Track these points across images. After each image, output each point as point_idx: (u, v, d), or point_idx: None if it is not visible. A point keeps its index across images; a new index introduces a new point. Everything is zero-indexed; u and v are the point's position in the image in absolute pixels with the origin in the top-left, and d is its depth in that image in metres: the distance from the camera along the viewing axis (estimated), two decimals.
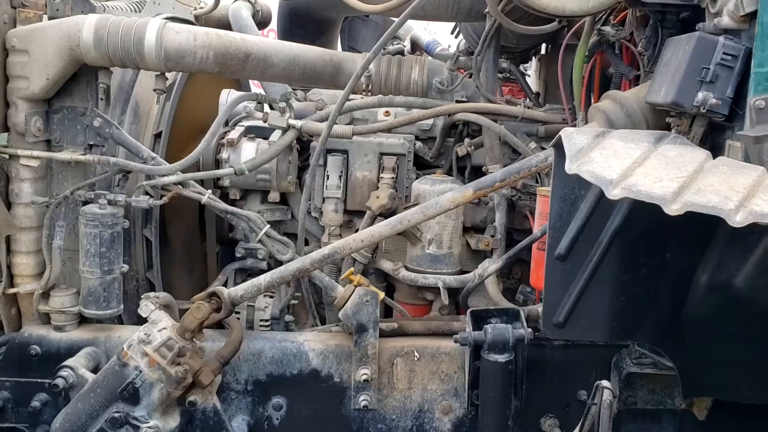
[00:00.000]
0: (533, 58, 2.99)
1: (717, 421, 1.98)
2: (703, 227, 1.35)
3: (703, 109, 1.48)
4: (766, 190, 1.16)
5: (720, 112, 1.49)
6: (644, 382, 1.97)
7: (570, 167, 1.24)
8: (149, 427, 1.76)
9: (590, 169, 1.21)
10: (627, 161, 1.24)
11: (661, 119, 1.66)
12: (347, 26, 3.49)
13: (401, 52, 3.60)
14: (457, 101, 2.26)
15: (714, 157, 1.50)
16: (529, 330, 1.87)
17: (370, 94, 2.29)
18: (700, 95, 1.48)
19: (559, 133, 1.39)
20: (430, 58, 2.34)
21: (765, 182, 1.18)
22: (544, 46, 2.85)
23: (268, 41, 2.11)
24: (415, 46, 4.26)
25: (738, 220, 1.11)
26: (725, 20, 1.51)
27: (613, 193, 1.15)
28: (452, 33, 3.12)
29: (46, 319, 2.07)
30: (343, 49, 3.52)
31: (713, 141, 1.61)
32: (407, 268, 2.22)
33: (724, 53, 1.48)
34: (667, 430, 2.00)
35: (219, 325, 1.95)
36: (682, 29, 1.75)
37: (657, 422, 1.99)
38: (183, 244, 2.49)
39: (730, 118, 1.52)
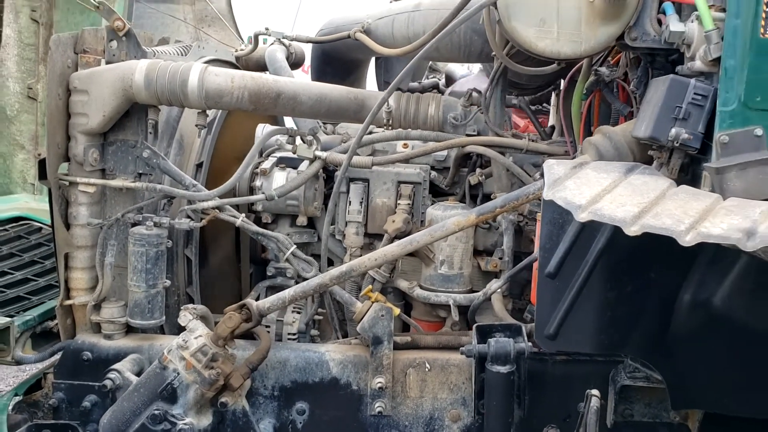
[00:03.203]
0: (553, 93, 3.15)
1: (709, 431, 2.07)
2: (685, 250, 1.43)
3: (677, 143, 1.61)
4: (716, 215, 1.31)
5: (692, 145, 1.62)
6: (640, 395, 2.09)
7: (546, 194, 1.42)
8: (185, 424, 1.92)
9: (563, 195, 1.38)
10: (597, 189, 1.40)
11: (645, 152, 1.80)
12: (383, 62, 3.67)
13: (436, 86, 3.77)
14: (468, 135, 2.39)
15: (694, 185, 1.65)
16: (530, 344, 1.97)
17: (391, 127, 2.43)
18: (674, 131, 1.62)
19: (543, 164, 1.57)
20: (445, 95, 2.50)
21: (716, 208, 1.33)
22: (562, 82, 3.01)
23: (298, 82, 2.30)
24: (450, 80, 4.45)
25: (687, 240, 1.26)
26: (697, 64, 1.65)
27: (581, 217, 1.32)
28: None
29: (97, 328, 2.23)
30: (379, 83, 3.70)
31: (693, 171, 1.74)
32: (421, 287, 2.34)
33: (695, 93, 1.62)
34: None
35: (249, 336, 2.11)
36: (671, 70, 1.86)
37: None
38: (220, 263, 2.67)
39: (704, 151, 1.65)
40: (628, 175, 1.54)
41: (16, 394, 2.23)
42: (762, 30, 1.52)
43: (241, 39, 3.47)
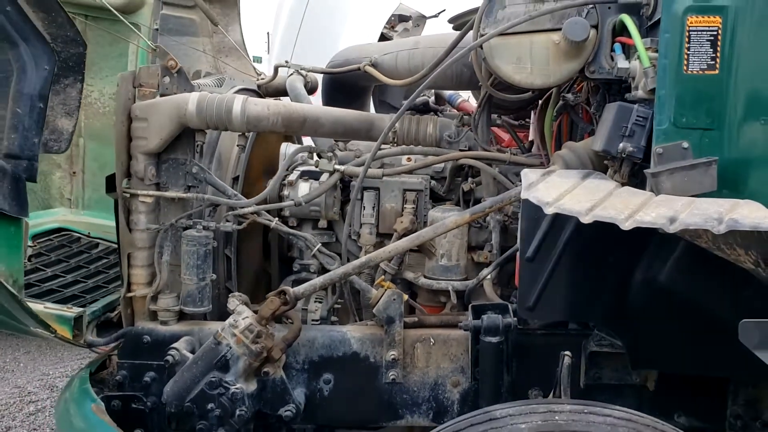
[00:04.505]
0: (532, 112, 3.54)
1: (664, 390, 2.36)
2: (636, 236, 1.67)
3: (624, 154, 1.91)
4: (649, 207, 1.68)
5: (636, 156, 1.91)
6: (607, 361, 2.36)
7: (523, 195, 1.80)
8: (236, 388, 2.19)
9: (536, 195, 1.74)
10: (561, 190, 1.77)
11: (602, 162, 2.11)
12: (379, 86, 4.02)
13: (426, 103, 4.21)
14: (461, 150, 2.67)
15: (641, 188, 1.92)
16: (515, 319, 2.27)
17: (395, 144, 2.77)
18: (622, 145, 1.91)
19: (521, 172, 1.99)
20: (441, 117, 2.82)
21: (649, 202, 1.71)
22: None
23: (320, 108, 2.66)
24: (439, 98, 4.79)
25: (626, 225, 1.60)
26: (639, 93, 1.94)
27: (548, 210, 1.68)
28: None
29: (153, 316, 2.52)
30: (375, 103, 4.01)
31: (642, 177, 2.03)
32: (425, 277, 2.63)
33: (638, 116, 1.91)
34: (628, 401, 2.32)
35: (279, 321, 2.44)
36: (622, 96, 2.11)
37: (620, 395, 2.35)
38: (251, 261, 2.98)
39: (647, 160, 1.94)
40: (585, 180, 1.90)
41: (90, 371, 2.57)
42: (685, 67, 1.81)
43: (253, 67, 3.89)
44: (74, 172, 4.06)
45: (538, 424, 1.72)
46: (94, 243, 3.76)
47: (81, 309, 2.62)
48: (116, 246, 3.63)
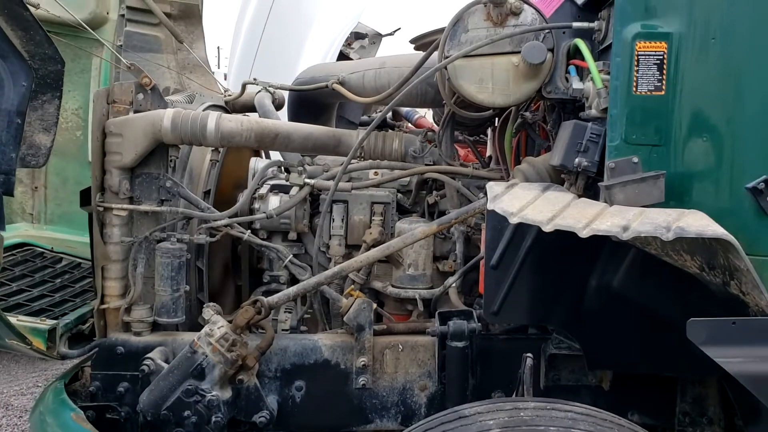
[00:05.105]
0: (489, 129, 3.69)
1: (618, 390, 2.46)
2: (591, 245, 1.80)
3: (580, 169, 2.01)
4: (603, 216, 1.80)
5: (591, 170, 2.02)
6: (565, 363, 2.46)
7: (489, 206, 1.90)
8: (212, 396, 2.24)
9: (501, 206, 1.85)
10: (523, 201, 1.89)
11: (558, 176, 2.20)
12: (340, 103, 4.13)
13: (384, 119, 4.33)
14: (426, 164, 2.77)
15: (596, 199, 2.03)
16: (479, 324, 2.36)
17: (363, 159, 2.85)
18: (577, 160, 2.01)
19: (486, 185, 2.12)
20: (406, 134, 2.91)
21: (604, 212, 1.83)
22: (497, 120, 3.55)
23: (290, 124, 2.74)
24: (397, 114, 4.79)
25: (584, 233, 1.72)
26: (593, 112, 2.06)
27: (513, 220, 1.80)
28: None
29: (126, 327, 2.55)
30: (336, 116, 4.17)
31: (596, 189, 2.07)
32: (393, 286, 2.72)
33: (591, 133, 2.02)
34: (585, 401, 2.22)
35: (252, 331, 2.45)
36: (576, 115, 2.21)
37: (577, 395, 2.43)
38: (220, 273, 3.04)
39: (600, 174, 2.02)
40: (545, 192, 2.01)
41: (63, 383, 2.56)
42: (634, 88, 1.92)
43: (218, 83, 3.96)
44: (36, 187, 4.04)
45: (505, 420, 1.82)
46: (57, 258, 3.75)
47: (54, 321, 2.64)
48: (80, 260, 3.66)
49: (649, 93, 1.96)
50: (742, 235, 1.79)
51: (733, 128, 1.90)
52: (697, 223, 1.74)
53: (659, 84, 1.96)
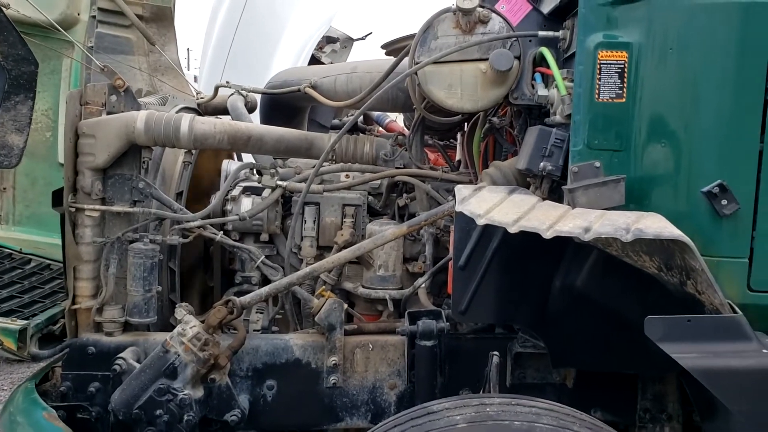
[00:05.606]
0: (458, 133, 3.75)
1: (582, 388, 2.52)
2: (555, 246, 1.86)
3: (544, 173, 2.09)
4: (566, 218, 1.87)
5: (555, 174, 2.09)
6: (530, 361, 2.51)
7: (457, 208, 1.97)
8: (184, 395, 2.25)
9: (468, 208, 1.92)
10: (490, 203, 1.96)
11: (524, 179, 2.27)
12: (311, 107, 4.17)
13: (355, 123, 4.37)
14: (397, 167, 2.82)
15: (560, 202, 2.10)
16: (448, 324, 2.42)
17: (334, 162, 2.88)
18: (542, 164, 2.08)
19: (454, 188, 2.18)
20: (377, 137, 2.96)
21: (567, 214, 1.90)
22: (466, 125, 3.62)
23: (263, 127, 2.78)
24: (368, 118, 4.80)
25: (547, 234, 1.79)
26: (557, 118, 2.11)
27: (480, 221, 1.87)
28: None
29: (98, 328, 2.55)
30: (308, 120, 4.20)
31: (558, 192, 2.15)
32: (363, 287, 2.76)
33: (556, 138, 2.09)
34: (549, 398, 2.25)
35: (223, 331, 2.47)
36: (542, 120, 2.29)
37: (542, 393, 2.46)
38: (191, 274, 3.07)
39: (564, 178, 2.09)
40: (511, 195, 2.08)
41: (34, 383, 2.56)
42: (596, 95, 1.99)
43: (190, 85, 3.96)
44: (4, 188, 4.00)
45: (472, 415, 1.88)
46: (26, 259, 3.73)
47: (25, 321, 2.64)
48: (49, 261, 3.64)
49: (610, 100, 2.02)
50: (698, 236, 1.88)
51: (690, 134, 1.97)
52: (655, 225, 1.82)
53: (620, 92, 2.04)
